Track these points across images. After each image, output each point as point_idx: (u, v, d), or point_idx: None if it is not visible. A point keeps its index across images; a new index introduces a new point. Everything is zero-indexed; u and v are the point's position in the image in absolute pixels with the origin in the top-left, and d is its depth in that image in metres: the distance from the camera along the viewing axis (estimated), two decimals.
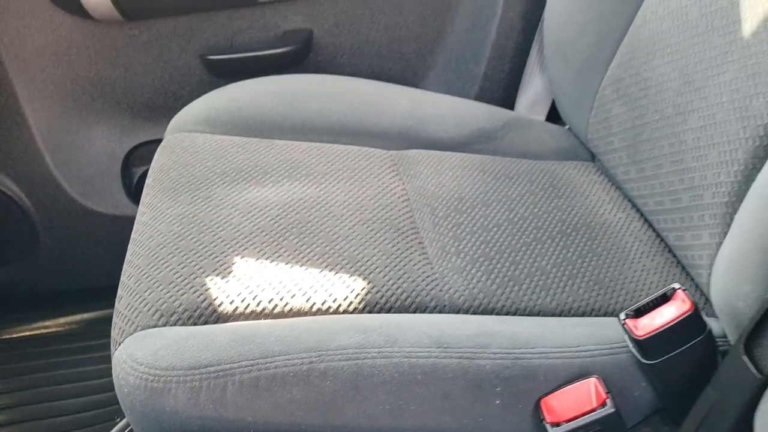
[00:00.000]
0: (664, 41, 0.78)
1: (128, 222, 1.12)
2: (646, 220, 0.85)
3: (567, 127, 1.05)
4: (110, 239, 1.24)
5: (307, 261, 0.72)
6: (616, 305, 0.73)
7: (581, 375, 0.61)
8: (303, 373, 0.59)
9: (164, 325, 0.65)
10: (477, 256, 0.76)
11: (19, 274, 1.27)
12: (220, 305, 0.67)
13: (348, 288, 0.69)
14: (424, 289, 0.71)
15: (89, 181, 1.22)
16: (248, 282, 0.69)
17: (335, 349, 0.60)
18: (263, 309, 0.67)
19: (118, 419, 1.05)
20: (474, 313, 0.70)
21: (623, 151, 0.85)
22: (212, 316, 0.66)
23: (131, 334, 0.65)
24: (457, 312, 0.70)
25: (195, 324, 0.66)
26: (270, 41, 1.17)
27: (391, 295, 0.70)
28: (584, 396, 0.59)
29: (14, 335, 1.24)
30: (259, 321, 0.66)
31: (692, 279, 0.77)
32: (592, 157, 1.00)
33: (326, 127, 0.96)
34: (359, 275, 0.71)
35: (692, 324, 0.59)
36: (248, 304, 0.67)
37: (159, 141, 1.02)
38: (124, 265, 0.74)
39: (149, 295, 0.68)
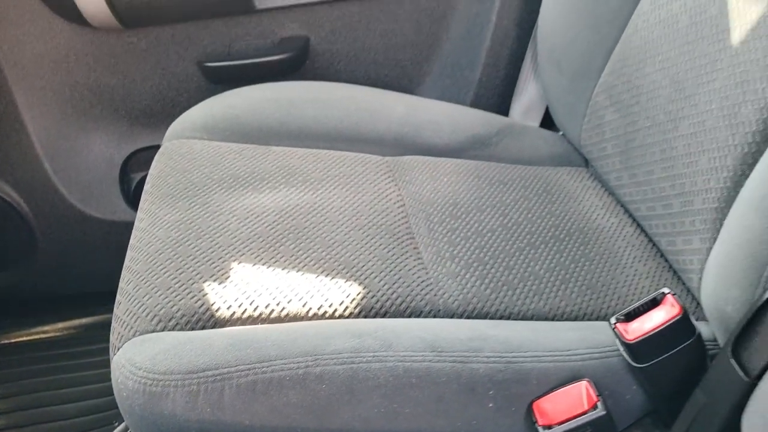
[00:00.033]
0: (656, 49, 0.79)
1: (126, 227, 1.13)
2: (638, 225, 0.86)
3: (561, 133, 1.06)
4: (108, 244, 1.25)
5: (304, 266, 0.73)
6: (608, 309, 0.74)
7: (573, 378, 0.62)
8: (299, 377, 0.60)
9: (162, 330, 0.66)
10: (471, 261, 0.76)
11: (18, 279, 1.27)
12: (217, 310, 0.68)
13: (344, 293, 0.70)
14: (419, 294, 0.72)
15: (88, 186, 1.22)
16: (245, 287, 0.70)
17: (331, 354, 0.61)
18: (260, 314, 0.68)
19: (117, 423, 1.06)
20: (468, 317, 0.71)
21: (616, 157, 0.86)
22: (210, 321, 0.67)
23: (130, 339, 0.66)
24: (452, 316, 0.71)
25: (193, 329, 0.66)
26: (267, 48, 1.17)
27: (387, 300, 0.70)
28: (576, 399, 0.60)
29: (13, 340, 1.25)
30: (256, 326, 0.67)
31: (684, 283, 0.78)
32: (586, 163, 1.01)
33: (323, 134, 0.97)
34: (355, 280, 0.72)
35: (681, 328, 0.60)
36: (245, 309, 0.68)
37: (157, 147, 1.03)
38: (123, 271, 0.75)
39: (148, 300, 0.69)
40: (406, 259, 0.76)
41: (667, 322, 0.59)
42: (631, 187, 0.84)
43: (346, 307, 0.69)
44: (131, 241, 0.79)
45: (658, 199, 0.78)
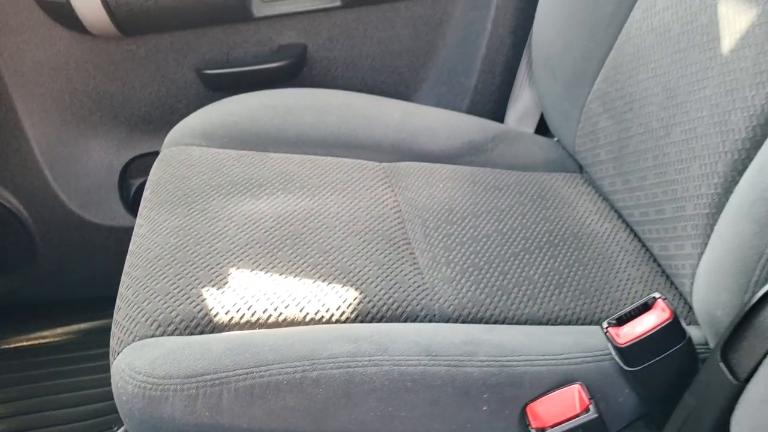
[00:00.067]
0: (648, 57, 0.80)
1: (125, 233, 1.14)
2: (632, 230, 0.87)
3: (555, 139, 1.07)
4: (108, 250, 1.25)
5: (301, 272, 0.74)
6: (601, 314, 0.75)
7: (566, 382, 0.62)
8: (296, 381, 0.60)
9: (162, 335, 0.67)
10: (467, 266, 0.77)
11: (18, 285, 1.28)
12: (215, 315, 0.68)
13: (340, 298, 0.71)
14: (414, 299, 0.72)
15: (87, 192, 1.23)
16: (243, 292, 0.71)
17: (327, 358, 0.61)
18: (258, 319, 0.69)
19: (116, 428, 1.06)
20: (463, 321, 0.72)
21: (609, 163, 0.87)
22: (208, 326, 0.68)
23: (130, 344, 0.66)
24: (447, 321, 0.72)
25: (192, 334, 0.67)
26: (265, 56, 1.18)
27: (383, 305, 0.71)
28: (568, 402, 0.61)
29: (12, 345, 1.25)
30: (254, 331, 0.68)
31: (676, 288, 0.78)
32: (580, 169, 1.01)
33: (320, 140, 0.98)
34: (351, 285, 0.73)
35: (672, 332, 0.61)
36: (243, 314, 0.69)
37: (156, 153, 1.03)
38: (123, 277, 0.76)
39: (147, 305, 0.69)
40: (403, 264, 0.76)
41: (657, 326, 0.60)
42: (624, 193, 0.85)
43: (343, 312, 0.70)
44: (130, 247, 0.80)
45: (651, 204, 0.79)
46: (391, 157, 0.98)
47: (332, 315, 0.70)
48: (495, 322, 0.72)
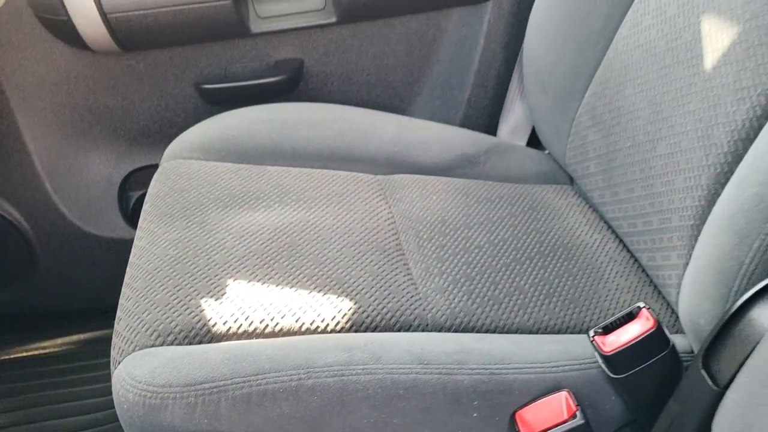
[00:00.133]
0: (635, 72, 0.82)
1: (125, 244, 1.15)
2: (620, 241, 0.89)
3: (546, 152, 1.09)
4: (107, 261, 1.26)
5: (297, 282, 0.75)
6: (590, 323, 0.76)
7: (554, 389, 0.64)
8: (292, 389, 0.62)
9: (161, 345, 0.68)
10: (459, 277, 0.79)
11: (19, 296, 1.29)
12: (214, 326, 0.70)
13: (335, 308, 0.73)
14: (408, 309, 0.74)
15: (87, 205, 1.24)
16: (241, 303, 0.72)
17: (322, 367, 0.63)
18: (255, 329, 0.70)
19: None
20: (455, 331, 0.74)
21: (599, 175, 0.89)
22: (207, 336, 0.69)
23: (130, 354, 0.68)
24: (440, 330, 0.73)
25: (190, 343, 0.69)
26: (262, 70, 1.19)
27: (377, 315, 0.73)
28: (556, 408, 0.62)
29: (13, 356, 1.26)
30: (251, 340, 0.69)
31: (664, 297, 0.80)
32: (571, 181, 1.03)
33: (316, 153, 0.99)
34: (346, 296, 0.74)
35: (656, 340, 0.62)
36: (241, 325, 0.70)
37: (155, 166, 1.05)
38: (123, 288, 0.77)
39: (147, 316, 0.71)
40: (396, 275, 0.78)
41: (642, 334, 0.62)
42: (613, 205, 0.86)
43: (338, 322, 0.72)
44: (131, 259, 0.81)
45: (639, 216, 0.80)
46: (385, 169, 0.99)
47: (327, 325, 0.71)
48: (486, 331, 0.74)
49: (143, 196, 1.24)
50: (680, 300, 0.70)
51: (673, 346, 0.64)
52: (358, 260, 0.79)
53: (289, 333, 0.70)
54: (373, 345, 0.66)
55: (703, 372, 0.56)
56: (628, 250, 0.87)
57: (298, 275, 0.76)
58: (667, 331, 0.64)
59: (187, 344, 0.68)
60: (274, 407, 0.62)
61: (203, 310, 0.71)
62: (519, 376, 0.65)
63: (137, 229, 0.86)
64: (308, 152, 0.99)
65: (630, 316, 0.65)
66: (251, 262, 0.78)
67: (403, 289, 0.76)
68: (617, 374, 0.63)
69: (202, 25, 1.11)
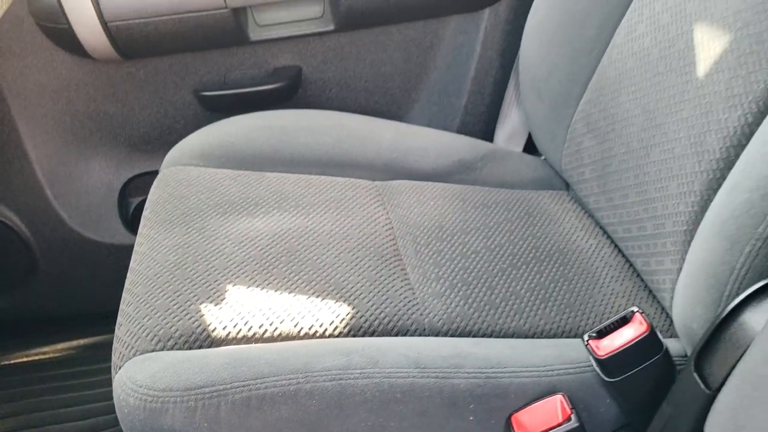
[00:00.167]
0: (629, 80, 0.83)
1: (124, 250, 1.16)
2: (616, 246, 0.89)
3: (543, 158, 1.10)
4: (107, 267, 1.27)
5: (296, 288, 0.76)
6: (585, 327, 0.77)
7: (549, 392, 0.65)
8: (291, 393, 0.63)
9: (162, 350, 0.69)
10: (456, 282, 0.80)
11: (19, 301, 1.29)
12: (213, 330, 0.71)
13: (333, 313, 0.73)
14: (405, 314, 0.75)
15: (87, 211, 1.25)
16: (240, 308, 0.73)
17: (320, 371, 0.64)
18: (254, 334, 0.71)
19: None
20: (452, 335, 0.74)
21: (594, 181, 0.90)
22: (206, 340, 0.70)
23: (131, 358, 0.69)
24: (437, 335, 0.74)
25: (190, 348, 0.69)
26: (261, 78, 1.20)
27: (374, 320, 0.74)
28: (551, 412, 0.63)
29: (13, 361, 1.26)
30: (250, 345, 0.70)
31: (658, 302, 0.81)
32: (567, 187, 1.04)
33: (314, 160, 1.00)
34: (344, 301, 0.75)
35: (649, 344, 0.63)
36: (240, 330, 0.71)
37: (154, 173, 1.06)
38: (123, 294, 0.78)
39: (147, 321, 0.72)
40: (394, 280, 0.79)
41: (635, 338, 0.63)
42: (608, 210, 0.87)
43: (336, 327, 0.72)
44: (131, 265, 0.82)
45: (633, 221, 0.81)
46: (383, 175, 1.00)
47: (325, 329, 0.72)
48: (483, 336, 0.75)
49: (143, 202, 1.24)
50: (674, 304, 0.71)
51: (667, 349, 0.64)
52: (356, 265, 0.80)
53: (288, 338, 0.71)
54: (370, 349, 0.67)
55: (695, 375, 0.57)
56: (623, 255, 0.88)
57: (297, 280, 0.77)
58: (660, 335, 0.65)
59: (187, 349, 0.69)
60: (273, 411, 0.62)
61: (203, 315, 0.72)
62: (515, 379, 0.65)
63: (137, 235, 0.87)
64: (307, 158, 1.00)
65: (624, 321, 0.66)
66: (250, 267, 0.79)
67: (401, 294, 0.77)
68: (611, 378, 0.64)
69: (202, 34, 1.12)
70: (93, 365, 1.23)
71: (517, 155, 1.10)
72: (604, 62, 0.89)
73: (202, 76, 1.19)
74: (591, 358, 0.66)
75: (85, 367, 1.23)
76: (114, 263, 1.25)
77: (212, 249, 0.81)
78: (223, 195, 0.91)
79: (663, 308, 0.80)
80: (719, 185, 0.68)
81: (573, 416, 0.63)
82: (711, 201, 0.68)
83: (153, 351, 0.69)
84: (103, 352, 1.17)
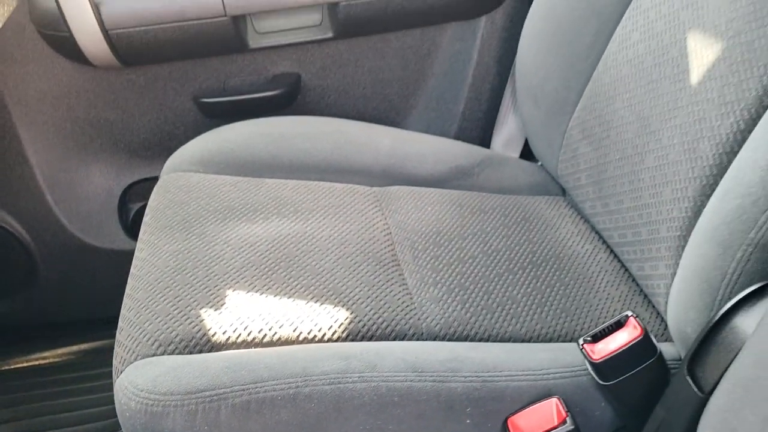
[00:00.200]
0: (624, 87, 0.84)
1: (125, 256, 1.16)
2: (611, 251, 0.90)
3: (539, 163, 1.10)
4: (107, 272, 1.27)
5: (294, 293, 0.77)
6: (581, 331, 0.78)
7: (545, 396, 0.66)
8: (290, 397, 0.63)
9: (162, 354, 0.70)
10: (453, 287, 0.81)
11: (19, 307, 1.30)
12: (213, 335, 0.71)
13: (332, 318, 0.74)
14: (403, 318, 0.76)
15: (87, 217, 1.25)
16: (239, 313, 0.74)
17: (319, 375, 0.65)
18: (253, 338, 0.72)
19: None
20: (449, 339, 0.75)
21: (590, 187, 0.91)
22: (206, 345, 0.71)
23: (132, 363, 0.69)
24: (434, 339, 0.75)
25: (191, 353, 0.70)
26: (260, 84, 1.21)
27: (373, 324, 0.74)
28: (547, 415, 0.64)
29: (13, 366, 1.27)
30: (250, 349, 0.71)
31: (653, 306, 0.82)
32: (563, 192, 1.05)
33: (313, 166, 1.01)
34: (343, 306, 0.76)
35: (643, 348, 0.64)
36: (240, 334, 0.72)
37: (154, 178, 1.06)
38: (124, 299, 0.79)
39: (148, 326, 0.72)
40: (392, 285, 0.80)
41: (629, 342, 0.64)
42: (604, 216, 0.88)
43: (334, 332, 0.73)
44: (132, 270, 0.83)
45: (628, 227, 0.82)
46: (381, 181, 1.01)
47: (324, 334, 0.73)
48: (480, 340, 0.76)
49: (143, 208, 1.25)
50: (668, 309, 0.72)
51: (660, 353, 0.65)
52: (354, 271, 0.81)
53: (287, 342, 0.72)
54: (368, 354, 0.67)
55: (688, 378, 0.58)
56: (619, 260, 0.89)
57: (296, 286, 0.78)
58: (654, 339, 0.66)
59: (187, 353, 0.70)
60: (273, 414, 0.63)
61: (203, 320, 0.73)
62: (511, 383, 0.66)
63: (138, 241, 0.88)
64: (305, 165, 1.01)
65: (618, 325, 0.67)
66: (250, 272, 0.79)
67: (399, 298, 0.78)
68: (606, 381, 0.65)
69: (202, 41, 1.13)
70: (93, 370, 1.23)
71: (513, 161, 1.11)
72: (600, 69, 0.89)
73: (201, 82, 1.20)
74: (586, 361, 0.67)
75: (85, 372, 1.24)
76: (114, 268, 1.25)
77: (212, 254, 0.82)
78: (222, 201, 0.92)
79: (658, 312, 0.81)
80: (712, 191, 0.68)
81: (568, 419, 0.63)
82: (704, 207, 0.69)
83: (154, 355, 0.70)
84: (104, 357, 1.18)
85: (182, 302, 0.75)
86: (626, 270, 0.87)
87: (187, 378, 0.65)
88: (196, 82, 1.20)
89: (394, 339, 0.74)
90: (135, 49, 1.11)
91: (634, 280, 0.86)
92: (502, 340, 0.76)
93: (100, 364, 1.22)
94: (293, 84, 1.22)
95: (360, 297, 0.77)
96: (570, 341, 0.77)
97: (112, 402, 0.68)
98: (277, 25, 1.16)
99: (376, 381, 0.65)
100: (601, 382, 0.65)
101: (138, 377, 0.66)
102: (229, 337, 0.71)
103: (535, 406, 0.65)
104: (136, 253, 0.85)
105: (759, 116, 0.65)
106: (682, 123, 0.74)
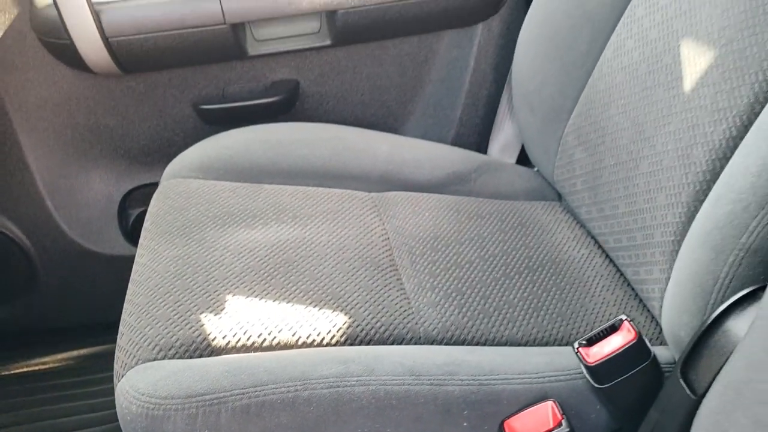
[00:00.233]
0: (618, 94, 0.85)
1: (124, 261, 1.17)
2: (607, 256, 0.91)
3: (535, 169, 1.11)
4: (107, 278, 1.28)
5: (293, 298, 0.78)
6: (577, 335, 0.79)
7: (540, 399, 0.67)
8: (289, 400, 0.64)
9: (163, 359, 0.70)
10: (450, 291, 0.81)
11: (19, 312, 1.30)
12: (213, 340, 0.72)
13: (330, 322, 0.75)
14: (401, 323, 0.76)
15: (87, 222, 1.26)
16: (239, 318, 0.74)
17: (318, 378, 0.65)
18: (253, 343, 0.72)
19: None
20: (447, 343, 0.76)
21: (585, 192, 0.92)
22: (206, 349, 0.71)
23: (133, 367, 0.70)
24: (431, 343, 0.76)
25: (191, 357, 0.71)
26: (259, 91, 1.21)
27: (371, 329, 0.75)
28: (542, 417, 0.65)
29: (13, 371, 1.27)
30: (250, 354, 0.71)
31: (648, 310, 0.83)
32: (559, 197, 1.06)
33: (311, 172, 1.02)
34: (341, 310, 0.77)
35: (637, 351, 0.65)
36: (239, 339, 0.72)
37: (154, 184, 1.07)
38: (125, 304, 0.79)
39: (149, 331, 0.73)
40: (390, 289, 0.81)
41: (623, 346, 0.65)
42: (599, 221, 0.89)
43: (333, 336, 0.74)
44: (132, 276, 0.83)
45: (623, 232, 0.83)
46: (379, 187, 1.02)
47: (323, 338, 0.74)
48: (476, 344, 0.76)
49: (142, 213, 1.26)
50: (663, 313, 0.73)
51: (654, 356, 0.66)
52: (352, 276, 0.82)
53: (286, 346, 0.73)
54: (366, 357, 0.68)
55: (681, 381, 0.58)
56: (614, 265, 0.89)
57: (295, 290, 0.79)
58: (648, 343, 0.66)
59: (187, 358, 0.71)
60: (273, 418, 0.64)
61: (203, 324, 0.73)
62: (507, 386, 0.67)
63: (138, 246, 0.88)
64: (304, 171, 1.02)
65: (613, 329, 0.68)
66: (249, 278, 0.80)
67: (397, 303, 0.79)
68: (601, 384, 0.66)
69: (201, 48, 1.13)
70: (93, 375, 1.24)
71: (510, 167, 1.11)
72: (595, 76, 0.90)
73: (201, 89, 1.21)
74: (581, 365, 0.68)
75: (85, 376, 1.24)
76: (113, 274, 1.26)
77: (212, 260, 0.83)
78: (222, 207, 0.92)
79: (653, 317, 0.82)
80: (705, 196, 0.69)
81: (564, 422, 0.64)
82: (697, 212, 0.70)
83: (155, 360, 0.70)
84: (103, 362, 1.18)
85: (182, 307, 0.76)
86: (621, 274, 0.88)
87: (188, 382, 0.65)
88: (195, 88, 1.21)
89: (392, 343, 0.75)
90: (135, 56, 1.12)
91: (629, 284, 0.86)
92: (498, 344, 0.77)
93: (100, 369, 1.23)
94: (292, 91, 1.22)
95: (358, 302, 0.78)
96: (566, 345, 0.78)
97: (112, 407, 0.69)
98: (276, 32, 1.17)
99: (374, 384, 0.65)
100: (596, 385, 0.66)
101: (139, 381, 0.67)
102: (229, 341, 0.72)
103: (531, 408, 0.66)
104: (137, 259, 0.86)
105: (751, 123, 0.66)
106: (675, 129, 0.75)
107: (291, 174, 1.01)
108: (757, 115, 0.66)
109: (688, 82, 0.74)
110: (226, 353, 0.72)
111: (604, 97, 0.88)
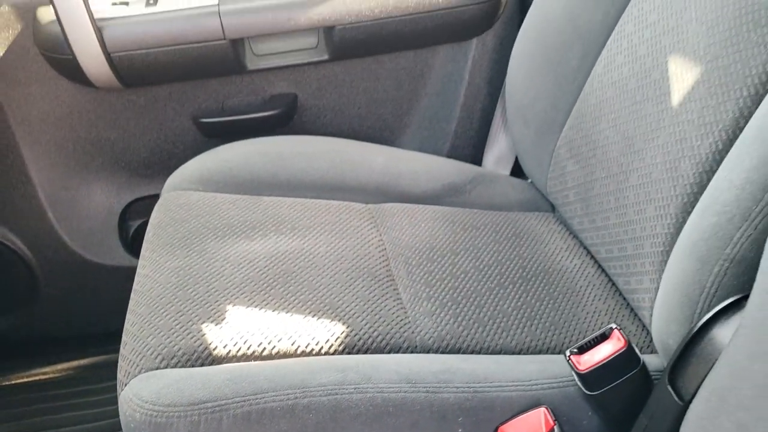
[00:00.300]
0: (609, 107, 0.87)
1: (125, 272, 1.19)
2: (599, 266, 0.93)
3: (529, 181, 1.13)
4: (107, 288, 1.29)
5: (292, 308, 0.79)
6: (569, 344, 0.80)
7: (533, 405, 0.68)
8: (289, 408, 0.66)
9: (166, 368, 0.72)
10: (446, 301, 0.83)
11: (21, 323, 1.31)
12: (214, 349, 0.73)
13: (329, 332, 0.77)
14: (397, 332, 0.78)
15: (88, 234, 1.27)
16: (239, 327, 0.76)
17: (317, 386, 0.67)
18: (253, 352, 0.74)
19: None
20: (442, 352, 0.77)
21: (577, 203, 0.93)
22: (208, 358, 0.73)
23: (136, 376, 0.71)
24: (427, 352, 0.77)
25: (193, 366, 0.72)
26: (258, 105, 1.23)
27: (368, 338, 0.77)
28: (535, 424, 0.66)
29: (15, 381, 1.28)
30: (250, 362, 0.73)
31: (639, 319, 0.84)
32: (552, 208, 1.07)
33: (309, 184, 1.03)
34: (339, 320, 0.78)
35: (627, 359, 0.67)
36: (240, 348, 0.74)
37: (154, 196, 1.08)
38: (128, 314, 0.81)
39: (151, 340, 0.74)
40: (387, 299, 0.82)
41: (613, 354, 0.66)
42: (591, 232, 0.90)
43: (331, 345, 0.75)
44: (134, 286, 0.85)
45: (615, 242, 0.85)
46: (376, 198, 1.03)
47: (321, 347, 0.75)
48: (471, 352, 0.78)
49: (142, 225, 1.27)
50: (653, 322, 0.74)
51: (643, 364, 0.68)
52: (350, 286, 0.83)
53: (286, 355, 0.74)
54: (364, 366, 0.70)
55: (669, 388, 0.60)
56: (606, 275, 0.91)
57: (294, 301, 0.80)
58: (637, 351, 0.68)
59: (189, 366, 0.72)
60: (273, 424, 0.65)
61: (204, 334, 0.75)
62: (501, 393, 0.69)
63: (140, 258, 0.90)
64: (302, 183, 1.03)
65: (603, 337, 0.69)
66: (249, 288, 0.81)
67: (393, 313, 0.80)
68: (592, 391, 0.67)
69: (201, 63, 1.15)
70: (95, 384, 1.24)
71: (504, 178, 1.13)
72: (586, 91, 0.92)
73: (200, 103, 1.22)
74: (573, 372, 0.69)
75: (86, 386, 1.25)
76: (114, 284, 1.27)
77: (212, 271, 0.84)
78: (222, 219, 0.94)
79: (644, 326, 0.84)
80: (692, 208, 0.71)
81: (556, 428, 0.66)
82: (685, 223, 0.71)
83: (157, 368, 0.72)
84: (104, 371, 1.20)
85: (184, 317, 0.77)
86: (613, 284, 0.90)
87: (190, 390, 0.67)
88: (195, 102, 1.22)
89: (388, 352, 0.76)
90: (136, 70, 1.14)
91: (620, 294, 0.88)
92: (492, 352, 0.78)
93: (102, 378, 1.24)
94: (290, 104, 1.24)
95: (356, 311, 0.79)
96: (558, 353, 0.79)
97: (114, 416, 0.71)
98: (275, 47, 1.18)
99: (372, 392, 0.67)
100: (587, 392, 0.68)
101: (142, 390, 0.68)
102: (230, 350, 0.74)
103: (524, 415, 0.67)
104: (139, 270, 0.87)
105: (736, 137, 0.68)
106: (664, 143, 0.76)
107: (290, 186, 1.03)
108: (741, 129, 0.67)
109: (676, 97, 0.76)
110: (227, 362, 0.73)
111: (595, 111, 0.89)
